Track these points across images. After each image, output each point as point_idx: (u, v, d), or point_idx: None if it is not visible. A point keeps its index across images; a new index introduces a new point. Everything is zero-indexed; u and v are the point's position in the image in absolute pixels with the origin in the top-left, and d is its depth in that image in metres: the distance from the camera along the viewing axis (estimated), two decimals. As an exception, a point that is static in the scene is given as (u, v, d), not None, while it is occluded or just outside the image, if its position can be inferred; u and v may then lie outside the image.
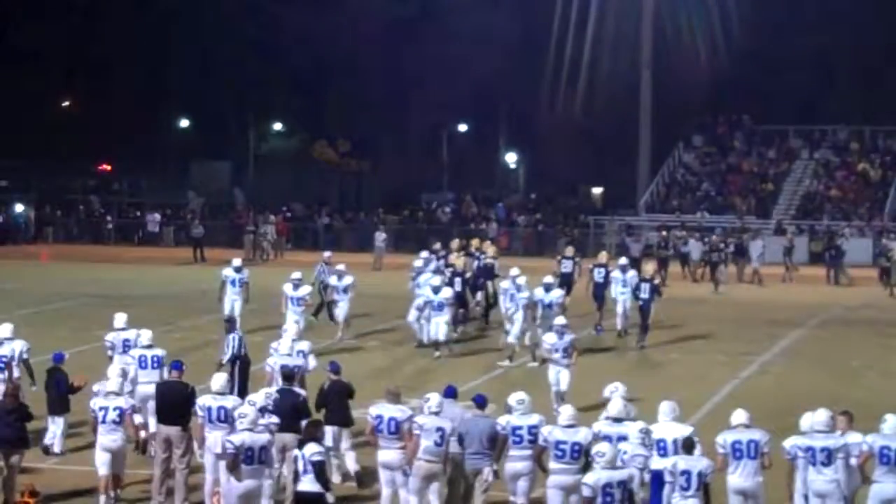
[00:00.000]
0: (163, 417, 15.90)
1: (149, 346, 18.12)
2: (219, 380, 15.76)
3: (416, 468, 14.55)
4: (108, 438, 15.46)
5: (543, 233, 54.24)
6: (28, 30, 64.99)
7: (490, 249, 31.62)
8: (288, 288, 25.79)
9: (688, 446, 13.61)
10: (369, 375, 22.73)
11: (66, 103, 72.01)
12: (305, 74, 64.78)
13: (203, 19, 64.36)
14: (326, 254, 31.02)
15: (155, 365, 17.92)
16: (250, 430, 13.88)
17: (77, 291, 34.79)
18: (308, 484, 13.47)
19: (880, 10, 56.00)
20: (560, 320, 21.46)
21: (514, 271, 26.29)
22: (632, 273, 28.49)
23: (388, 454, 14.80)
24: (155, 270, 44.98)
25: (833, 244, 44.43)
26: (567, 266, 31.15)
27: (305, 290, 26.09)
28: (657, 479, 13.59)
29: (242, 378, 19.43)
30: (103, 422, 15.47)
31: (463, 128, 70.27)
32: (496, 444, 14.66)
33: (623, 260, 29.94)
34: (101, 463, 15.46)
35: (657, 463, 13.75)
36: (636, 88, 56.90)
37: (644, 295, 27.22)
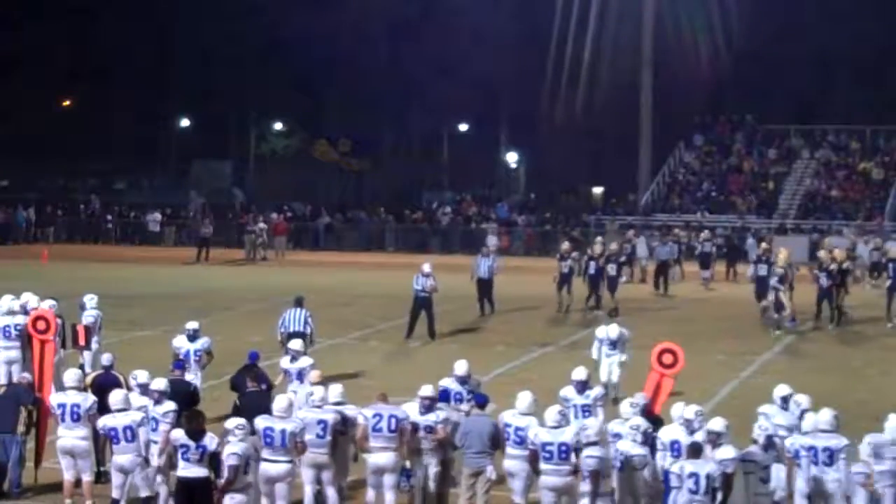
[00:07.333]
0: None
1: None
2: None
3: None
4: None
5: (544, 233, 54.20)
6: (28, 30, 65.02)
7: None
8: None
9: (696, 450, 13.51)
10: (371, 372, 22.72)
11: (67, 103, 72.05)
12: (305, 74, 64.80)
13: (203, 19, 64.38)
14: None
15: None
16: (125, 409, 14.58)
17: (77, 291, 34.54)
18: (196, 470, 13.54)
19: (880, 10, 56.03)
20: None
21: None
22: (617, 332, 21.35)
23: (382, 457, 14.55)
24: (155, 270, 44.96)
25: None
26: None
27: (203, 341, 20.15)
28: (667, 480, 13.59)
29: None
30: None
31: (463, 128, 70.29)
32: (498, 444, 14.62)
33: (612, 331, 21.55)
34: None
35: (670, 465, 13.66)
36: (636, 88, 56.89)
37: (824, 282, 30.16)
